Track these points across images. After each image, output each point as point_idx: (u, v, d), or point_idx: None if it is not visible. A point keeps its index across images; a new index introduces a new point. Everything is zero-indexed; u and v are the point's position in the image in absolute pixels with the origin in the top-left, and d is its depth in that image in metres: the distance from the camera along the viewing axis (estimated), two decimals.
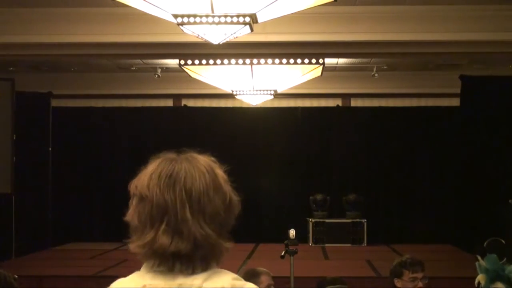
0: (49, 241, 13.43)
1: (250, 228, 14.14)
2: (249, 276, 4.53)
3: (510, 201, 11.06)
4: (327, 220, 13.63)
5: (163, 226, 1.80)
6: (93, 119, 14.57)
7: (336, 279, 4.30)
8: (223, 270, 1.85)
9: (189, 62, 10.57)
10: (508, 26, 8.90)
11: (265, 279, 4.59)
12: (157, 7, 5.07)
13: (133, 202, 1.88)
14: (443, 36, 9.07)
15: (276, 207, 14.27)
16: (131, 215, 1.85)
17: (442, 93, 14.17)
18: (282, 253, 6.24)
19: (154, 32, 8.89)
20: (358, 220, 13.55)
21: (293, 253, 6.24)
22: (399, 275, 4.40)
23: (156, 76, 13.38)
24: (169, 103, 14.88)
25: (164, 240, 1.78)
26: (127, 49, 9.76)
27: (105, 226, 14.43)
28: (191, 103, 14.81)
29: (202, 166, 1.89)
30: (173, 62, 12.32)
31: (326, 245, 13.35)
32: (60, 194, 14.03)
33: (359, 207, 13.70)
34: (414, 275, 4.37)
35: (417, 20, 8.99)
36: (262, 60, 10.28)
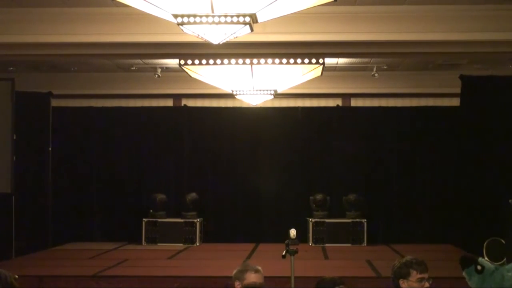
0: (49, 241, 13.43)
1: (250, 228, 14.18)
2: (238, 271, 4.54)
3: (510, 201, 11.06)
4: (327, 220, 13.64)
5: None
6: (93, 119, 14.57)
7: (335, 279, 4.28)
8: None
9: (189, 62, 10.58)
10: (508, 26, 8.90)
11: (250, 277, 4.56)
12: (157, 7, 5.07)
13: None
14: (443, 36, 9.07)
15: (276, 207, 14.27)
16: None
17: (442, 93, 14.17)
18: (283, 253, 6.25)
19: (154, 32, 8.89)
20: (358, 220, 13.55)
21: (294, 252, 6.25)
22: (406, 276, 4.33)
23: (156, 76, 13.39)
24: (169, 103, 14.88)
25: None
26: (127, 49, 9.76)
27: (105, 226, 14.45)
28: (191, 103, 14.81)
29: None
30: (173, 62, 12.32)
31: (326, 245, 13.35)
32: (60, 194, 14.04)
33: (359, 207, 13.70)
34: (422, 275, 4.32)
35: (417, 20, 8.99)
36: (262, 60, 10.28)
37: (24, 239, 12.71)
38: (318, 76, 11.51)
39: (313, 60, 10.43)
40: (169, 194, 14.15)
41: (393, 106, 14.56)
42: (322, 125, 14.57)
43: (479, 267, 4.22)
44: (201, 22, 5.18)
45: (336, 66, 13.40)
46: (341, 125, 14.50)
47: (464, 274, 4.32)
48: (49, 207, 13.57)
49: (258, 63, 10.35)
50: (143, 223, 13.63)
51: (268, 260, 9.66)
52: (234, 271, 4.60)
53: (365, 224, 13.52)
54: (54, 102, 13.84)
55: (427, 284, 4.34)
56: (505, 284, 4.25)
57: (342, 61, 12.86)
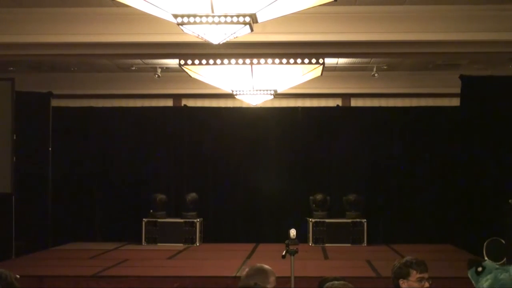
0: (49, 241, 13.44)
1: (250, 228, 14.19)
2: (258, 273, 4.48)
3: (510, 201, 11.06)
4: (327, 220, 13.63)
5: None
6: (93, 119, 14.57)
7: (338, 279, 4.28)
8: None
9: (189, 62, 10.58)
10: (508, 26, 8.90)
11: (273, 280, 4.55)
12: (157, 7, 5.07)
13: None
14: (443, 36, 9.07)
15: (276, 207, 14.26)
16: None
17: (442, 93, 14.17)
18: (283, 253, 6.25)
19: (154, 32, 8.89)
20: (358, 220, 13.55)
21: (294, 253, 6.25)
22: (406, 276, 4.34)
23: (156, 76, 13.39)
24: (169, 103, 14.88)
25: None
26: (127, 49, 9.76)
27: (105, 226, 14.45)
28: (191, 103, 14.81)
29: None
30: (173, 62, 12.32)
31: (326, 245, 13.35)
32: (60, 194, 14.03)
33: (359, 207, 13.70)
34: (422, 275, 4.33)
35: (417, 20, 8.99)
36: (262, 60, 10.28)
37: (24, 239, 12.71)
38: (318, 76, 11.51)
39: (313, 60, 10.43)
40: (169, 194, 14.15)
41: (393, 106, 14.56)
42: (322, 125, 14.57)
43: (479, 269, 4.24)
44: (201, 22, 5.18)
45: (336, 66, 13.40)
46: (341, 125, 14.50)
47: (469, 275, 4.35)
48: (49, 207, 13.57)
49: (258, 63, 10.35)
50: (143, 223, 13.63)
51: (268, 260, 9.65)
52: (250, 273, 4.46)
53: (365, 224, 13.52)
54: (54, 102, 13.84)
55: (427, 284, 4.34)
56: (496, 284, 4.26)
57: (342, 61, 12.86)
